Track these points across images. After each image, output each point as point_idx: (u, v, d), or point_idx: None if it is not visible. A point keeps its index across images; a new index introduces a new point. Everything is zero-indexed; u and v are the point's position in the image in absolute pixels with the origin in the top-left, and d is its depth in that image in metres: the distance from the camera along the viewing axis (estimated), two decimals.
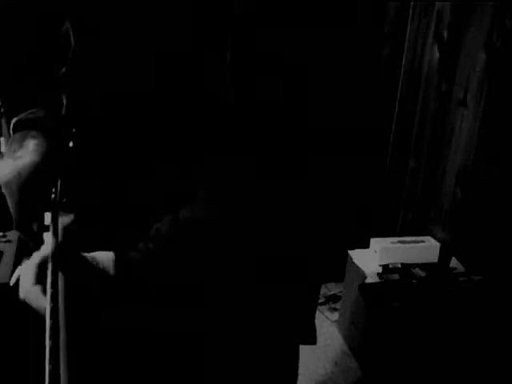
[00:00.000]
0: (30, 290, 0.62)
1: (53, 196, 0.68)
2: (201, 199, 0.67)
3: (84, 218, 0.70)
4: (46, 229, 0.66)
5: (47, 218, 0.66)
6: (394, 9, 2.19)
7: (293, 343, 0.86)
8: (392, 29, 2.21)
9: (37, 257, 0.64)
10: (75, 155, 0.69)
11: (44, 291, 0.59)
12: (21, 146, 0.67)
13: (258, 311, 0.75)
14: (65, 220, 0.68)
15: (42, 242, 0.70)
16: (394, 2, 2.18)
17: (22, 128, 0.69)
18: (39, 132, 0.68)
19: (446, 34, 1.97)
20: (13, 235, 1.36)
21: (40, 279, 0.62)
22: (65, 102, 0.71)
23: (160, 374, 0.75)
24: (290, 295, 0.78)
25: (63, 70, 0.71)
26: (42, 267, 0.62)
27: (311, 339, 0.83)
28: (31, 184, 0.66)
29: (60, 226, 0.66)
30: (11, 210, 0.71)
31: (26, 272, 0.64)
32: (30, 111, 0.71)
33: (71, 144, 0.69)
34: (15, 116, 0.70)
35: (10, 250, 1.30)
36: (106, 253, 0.65)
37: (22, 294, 0.64)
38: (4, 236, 1.37)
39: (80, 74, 0.72)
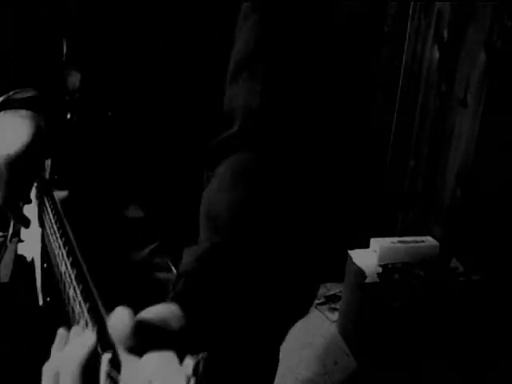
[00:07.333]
0: None
1: (46, 174, 0.68)
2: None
3: (78, 194, 0.69)
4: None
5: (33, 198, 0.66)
6: (394, 9, 2.19)
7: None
8: (392, 29, 2.20)
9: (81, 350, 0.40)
10: (66, 133, 0.68)
11: None
12: (9, 124, 0.66)
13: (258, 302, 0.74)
14: (59, 195, 0.68)
15: (28, 222, 0.70)
16: (394, 2, 2.18)
17: (10, 106, 0.68)
18: (28, 111, 0.68)
19: (445, 34, 1.97)
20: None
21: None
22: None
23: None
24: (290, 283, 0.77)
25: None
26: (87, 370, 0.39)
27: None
28: (20, 164, 0.66)
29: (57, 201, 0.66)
30: None
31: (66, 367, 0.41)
32: (17, 90, 0.70)
33: (63, 124, 0.68)
34: (2, 94, 0.70)
35: (10, 250, 1.30)
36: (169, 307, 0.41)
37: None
38: (4, 236, 1.36)
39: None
